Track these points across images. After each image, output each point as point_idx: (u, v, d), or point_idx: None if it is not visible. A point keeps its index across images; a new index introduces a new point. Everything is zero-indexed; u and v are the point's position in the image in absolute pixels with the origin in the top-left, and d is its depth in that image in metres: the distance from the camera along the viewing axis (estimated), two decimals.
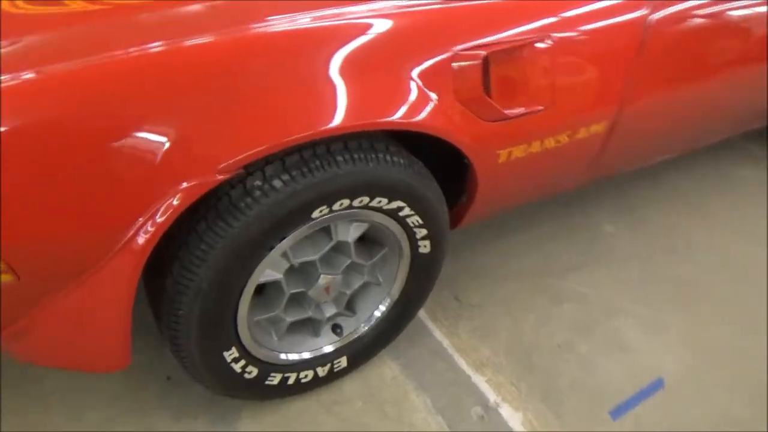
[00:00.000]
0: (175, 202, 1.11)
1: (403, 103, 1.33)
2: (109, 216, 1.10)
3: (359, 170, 1.31)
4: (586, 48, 1.57)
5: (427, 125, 1.34)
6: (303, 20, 1.23)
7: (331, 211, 1.33)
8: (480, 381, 1.79)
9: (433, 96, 1.36)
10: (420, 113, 1.34)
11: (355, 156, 1.31)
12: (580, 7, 1.53)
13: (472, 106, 1.41)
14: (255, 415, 1.63)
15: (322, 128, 1.22)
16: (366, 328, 1.66)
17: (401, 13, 1.33)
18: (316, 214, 1.31)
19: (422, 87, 1.34)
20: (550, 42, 1.48)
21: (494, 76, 1.41)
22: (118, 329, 1.21)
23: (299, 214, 1.28)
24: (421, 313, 1.99)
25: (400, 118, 1.31)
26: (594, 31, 1.57)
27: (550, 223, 2.43)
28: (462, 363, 1.83)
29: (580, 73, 1.59)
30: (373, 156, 1.34)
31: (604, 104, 1.67)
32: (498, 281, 2.14)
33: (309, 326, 1.63)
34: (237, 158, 1.14)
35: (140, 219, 1.10)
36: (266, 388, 1.56)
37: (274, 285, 1.46)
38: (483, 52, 1.37)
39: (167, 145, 1.09)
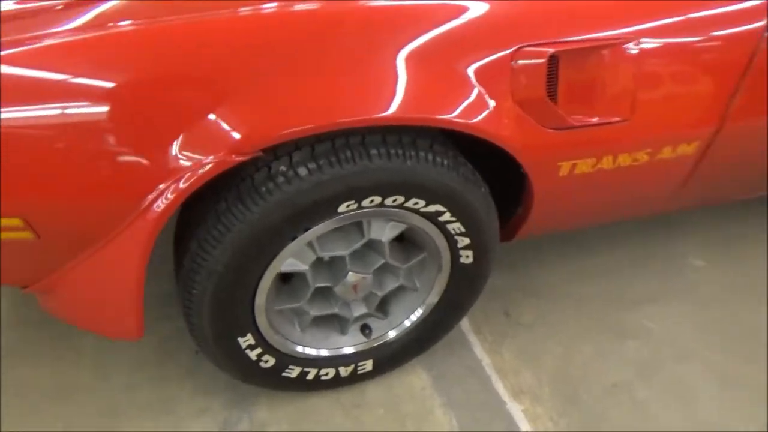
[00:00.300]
0: (199, 172, 1.06)
1: (458, 101, 1.21)
2: (128, 182, 1.08)
3: (394, 167, 1.21)
4: (684, 57, 1.36)
5: (476, 127, 1.21)
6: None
7: (360, 207, 1.24)
8: (515, 409, 1.64)
9: (489, 96, 1.22)
10: (472, 113, 1.21)
11: (392, 151, 1.21)
12: (684, 12, 1.32)
13: (532, 110, 1.26)
14: (272, 403, 1.59)
15: (376, 116, 1.13)
16: (394, 334, 1.56)
17: (466, 4, 1.21)
18: (342, 208, 1.22)
19: (478, 84, 1.22)
20: (637, 46, 1.29)
21: (563, 78, 1.25)
22: (130, 299, 1.20)
23: (324, 207, 1.21)
24: (464, 323, 1.86)
25: (454, 117, 1.19)
26: (697, 39, 1.35)
27: (628, 246, 2.19)
28: (499, 386, 1.69)
29: (672, 85, 1.38)
30: (413, 153, 1.23)
31: (698, 122, 1.45)
32: (556, 302, 1.96)
33: (336, 323, 1.56)
34: (283, 132, 1.08)
35: (160, 187, 1.07)
36: (284, 380, 1.51)
37: (300, 276, 1.39)
38: (550, 50, 1.21)
39: (204, 113, 1.06)
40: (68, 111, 1.02)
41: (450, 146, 1.33)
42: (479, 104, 1.22)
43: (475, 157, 1.39)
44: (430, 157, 1.25)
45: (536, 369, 1.74)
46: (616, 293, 2.00)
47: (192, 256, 1.23)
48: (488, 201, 1.40)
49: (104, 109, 1.03)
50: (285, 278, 1.48)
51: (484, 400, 1.65)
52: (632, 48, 1.28)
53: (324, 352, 1.50)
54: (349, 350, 1.53)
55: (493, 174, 1.48)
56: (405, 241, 1.52)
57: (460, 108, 1.21)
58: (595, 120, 1.31)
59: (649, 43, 1.30)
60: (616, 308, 1.94)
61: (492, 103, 1.23)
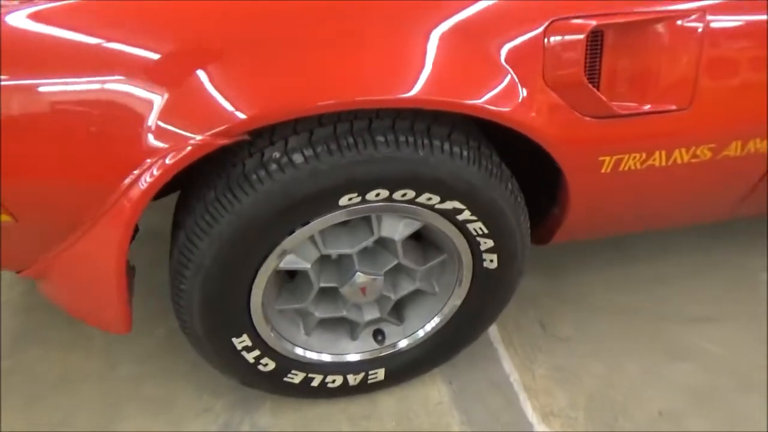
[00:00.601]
0: (180, 154, 0.96)
1: (485, 84, 1.06)
2: (106, 161, 0.98)
3: (403, 157, 1.07)
4: (757, 37, 1.15)
5: (501, 115, 1.05)
6: None
7: (364, 201, 1.10)
8: (543, 430, 1.46)
9: (519, 79, 1.06)
10: (498, 99, 1.06)
11: (402, 139, 1.06)
12: None
13: (569, 95, 1.08)
14: (276, 408, 1.49)
15: (393, 96, 1.00)
16: (406, 343, 1.42)
17: None
18: (344, 201, 1.09)
19: (507, 65, 1.05)
20: (701, 22, 1.09)
21: (607, 57, 1.07)
22: (112, 288, 1.11)
23: (323, 199, 1.08)
24: (493, 333, 1.70)
25: (481, 102, 1.04)
26: None
27: (683, 253, 1.95)
28: (527, 406, 1.52)
29: (742, 69, 1.17)
30: (426, 142, 1.08)
31: None
32: (599, 315, 1.76)
33: (347, 327, 1.43)
34: (278, 111, 0.97)
35: (137, 171, 0.97)
36: (286, 386, 1.40)
37: (304, 274, 1.27)
38: (592, 23, 1.03)
39: (192, 85, 0.96)
40: (41, 88, 0.93)
41: (475, 135, 1.17)
42: (507, 88, 1.06)
43: (509, 149, 1.23)
44: (446, 146, 1.10)
45: (571, 390, 1.55)
46: (668, 308, 1.77)
47: (180, 248, 1.13)
48: (517, 199, 1.23)
49: (81, 83, 0.94)
50: (291, 276, 1.37)
51: (508, 422, 1.48)
52: (694, 23, 1.08)
53: (326, 358, 1.37)
54: (354, 357, 1.40)
55: (529, 168, 1.31)
56: (423, 241, 1.37)
57: (488, 93, 1.05)
58: (646, 108, 1.11)
59: (716, 19, 1.10)
60: (668, 325, 1.72)
61: (522, 87, 1.06)
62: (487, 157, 1.17)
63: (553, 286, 1.85)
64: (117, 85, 0.94)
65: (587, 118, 1.10)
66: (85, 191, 1.01)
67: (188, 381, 1.55)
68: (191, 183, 1.16)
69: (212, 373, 1.50)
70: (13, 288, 1.78)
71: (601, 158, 1.16)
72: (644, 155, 1.17)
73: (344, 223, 1.26)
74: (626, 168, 1.18)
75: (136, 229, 1.45)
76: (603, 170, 1.18)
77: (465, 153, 1.11)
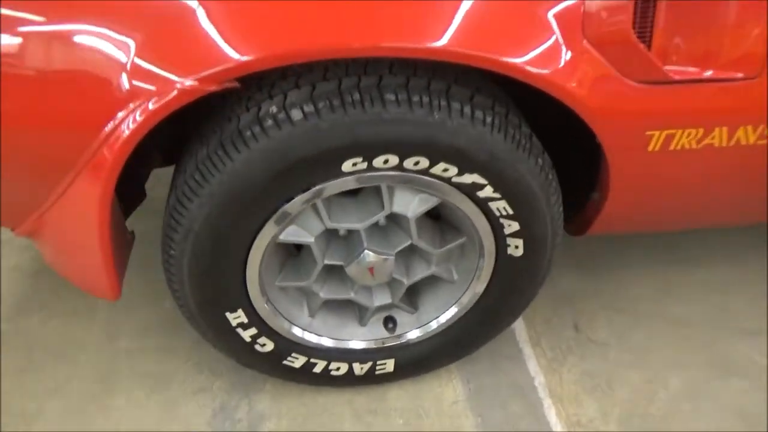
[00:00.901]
0: (161, 102, 0.86)
1: (523, 41, 0.92)
2: (83, 107, 0.89)
3: (416, 119, 0.94)
4: None
5: (537, 77, 0.90)
6: None
7: (371, 167, 0.98)
8: None
9: (559, 34, 0.91)
10: (537, 58, 0.91)
11: (415, 99, 0.94)
12: None
13: (614, 54, 0.93)
14: (277, 393, 1.38)
15: (426, 45, 0.88)
16: (417, 333, 1.29)
17: None
18: (348, 167, 0.97)
19: (547, 18, 0.91)
20: None
21: (662, 12, 0.91)
22: (97, 249, 1.02)
23: (324, 162, 0.96)
24: (520, 331, 1.55)
25: (517, 61, 0.90)
26: None
27: (740, 259, 1.74)
28: (551, 414, 1.36)
29: None
30: (443, 104, 0.95)
31: None
32: (642, 321, 1.58)
33: (355, 312, 1.31)
34: (272, 54, 0.86)
35: (119, 115, 0.87)
36: (286, 370, 1.29)
37: (309, 250, 1.16)
38: None
39: (179, 21, 0.86)
40: (14, 31, 0.85)
41: (502, 100, 1.03)
42: (548, 47, 0.92)
43: (543, 124, 1.09)
44: (467, 110, 0.96)
45: (604, 400, 1.39)
46: (720, 317, 1.58)
47: (170, 209, 1.04)
48: (548, 177, 1.08)
49: (57, 22, 0.85)
50: (297, 250, 1.26)
51: (528, 429, 1.33)
52: None
53: (327, 342, 1.26)
54: (359, 344, 1.28)
55: (566, 146, 1.16)
56: (442, 222, 1.24)
57: (527, 51, 0.91)
58: (706, 75, 0.95)
59: None
60: (719, 336, 1.53)
61: (563, 45, 0.92)
62: (515, 126, 1.02)
63: (593, 286, 1.68)
64: (94, 25, 0.85)
65: (635, 84, 0.94)
66: (65, 139, 0.92)
67: (188, 358, 1.47)
68: (188, 141, 1.07)
69: (212, 353, 1.41)
70: (24, 252, 1.74)
71: (648, 133, 0.99)
72: (701, 132, 1.00)
73: (353, 196, 1.14)
74: (678, 146, 1.01)
75: (144, 195, 1.38)
76: (650, 148, 1.01)
77: (489, 119, 0.98)
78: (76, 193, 0.96)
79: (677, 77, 0.94)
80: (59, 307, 1.59)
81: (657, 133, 0.99)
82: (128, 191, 1.23)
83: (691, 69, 0.94)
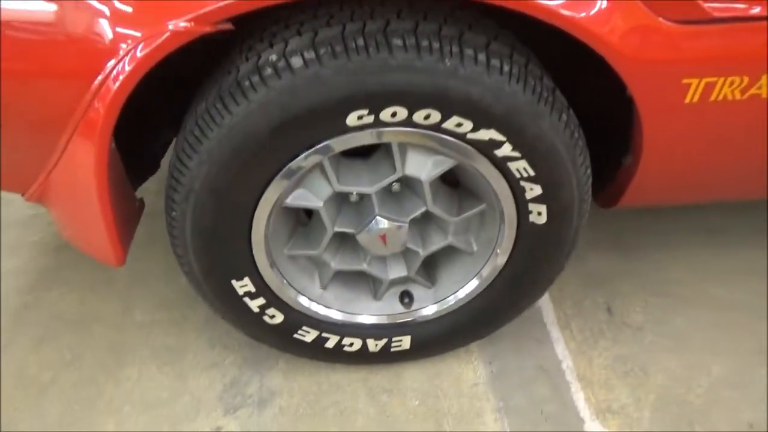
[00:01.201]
0: (151, 46, 0.82)
1: None
2: (73, 57, 0.86)
3: (425, 66, 0.87)
4: None
5: (557, 16, 0.82)
6: None
7: (378, 121, 0.92)
8: (596, 428, 1.21)
9: None
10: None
11: (425, 44, 0.87)
12: None
13: None
14: (290, 371, 1.34)
15: None
16: (435, 309, 1.22)
17: None
18: (353, 120, 0.91)
19: None
20: None
21: None
22: (98, 212, 0.99)
23: (327, 116, 0.90)
24: (548, 311, 1.46)
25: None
26: None
27: None
28: (579, 398, 1.27)
29: None
30: (455, 50, 0.88)
31: None
32: (681, 305, 1.47)
33: (370, 285, 1.25)
34: None
35: (108, 65, 0.84)
36: (297, 344, 1.24)
37: (320, 217, 1.10)
38: None
39: None
40: None
41: (521, 50, 0.95)
42: None
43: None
44: (481, 57, 0.89)
45: (637, 386, 1.29)
46: (764, 304, 1.45)
47: (170, 168, 1.00)
48: (573, 135, 0.99)
49: None
50: (308, 217, 1.21)
51: (553, 413, 1.24)
52: None
53: (338, 315, 1.20)
54: (372, 319, 1.21)
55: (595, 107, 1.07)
56: (461, 189, 1.16)
57: None
58: (753, 12, 0.85)
59: None
60: (763, 323, 1.41)
61: None
62: (537, 77, 0.94)
63: (629, 268, 1.57)
64: None
65: (671, 24, 0.85)
66: (58, 95, 0.89)
67: (201, 333, 1.44)
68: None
69: (227, 328, 1.38)
70: (47, 227, 1.75)
71: (686, 81, 0.90)
72: (745, 80, 0.90)
73: (364, 159, 1.08)
74: (720, 97, 0.91)
75: (156, 167, 1.36)
76: (688, 99, 0.92)
77: (506, 67, 0.90)
78: (74, 152, 0.93)
79: (719, 15, 0.84)
80: (78, 281, 1.58)
81: (695, 81, 0.89)
82: (138, 161, 1.20)
83: (735, 5, 0.84)
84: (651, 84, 0.91)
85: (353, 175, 1.07)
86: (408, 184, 1.11)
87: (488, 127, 0.93)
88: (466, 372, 1.33)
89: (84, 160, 0.93)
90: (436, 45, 0.87)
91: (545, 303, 1.47)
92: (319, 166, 1.01)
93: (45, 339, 1.43)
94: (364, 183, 1.06)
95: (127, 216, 1.10)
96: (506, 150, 0.97)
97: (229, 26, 0.82)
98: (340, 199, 1.12)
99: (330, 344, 1.24)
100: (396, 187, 1.11)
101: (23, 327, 1.46)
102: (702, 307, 1.46)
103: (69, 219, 1.12)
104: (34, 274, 1.61)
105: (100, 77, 0.85)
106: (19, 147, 1.01)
